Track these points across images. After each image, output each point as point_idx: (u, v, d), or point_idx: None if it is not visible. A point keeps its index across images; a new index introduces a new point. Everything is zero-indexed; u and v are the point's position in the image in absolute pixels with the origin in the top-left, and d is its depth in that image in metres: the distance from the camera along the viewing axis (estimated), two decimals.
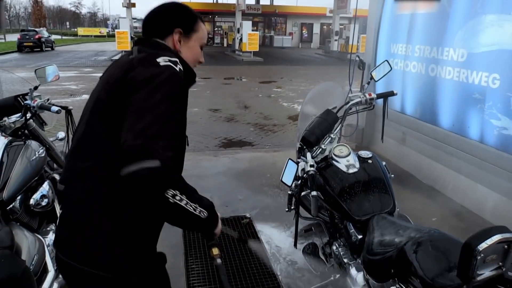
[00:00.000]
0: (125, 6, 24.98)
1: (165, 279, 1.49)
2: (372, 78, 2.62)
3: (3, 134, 2.59)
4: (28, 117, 2.69)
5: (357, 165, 2.30)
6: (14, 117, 2.77)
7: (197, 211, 1.25)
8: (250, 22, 25.70)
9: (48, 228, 2.61)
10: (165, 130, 1.18)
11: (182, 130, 1.38)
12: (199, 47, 1.53)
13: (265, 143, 6.58)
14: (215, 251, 1.42)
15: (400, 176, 4.64)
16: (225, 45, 37.39)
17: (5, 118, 2.71)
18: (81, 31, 58.44)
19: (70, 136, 2.70)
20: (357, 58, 5.57)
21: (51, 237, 2.53)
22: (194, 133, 7.00)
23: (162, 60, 1.29)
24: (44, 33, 30.72)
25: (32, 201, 2.43)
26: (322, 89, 3.00)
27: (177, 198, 1.18)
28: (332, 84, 2.92)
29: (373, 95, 2.55)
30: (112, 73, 1.36)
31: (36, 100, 2.59)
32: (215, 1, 43.95)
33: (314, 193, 2.13)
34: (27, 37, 28.28)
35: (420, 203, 4.03)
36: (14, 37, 32.71)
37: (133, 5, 25.60)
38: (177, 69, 1.29)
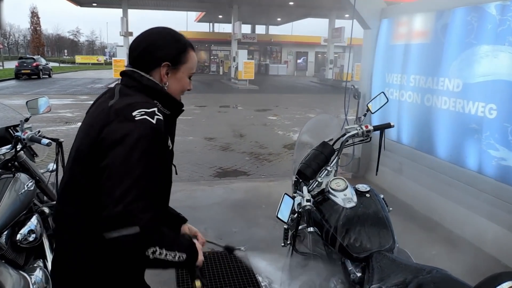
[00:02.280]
0: (122, 35, 25.38)
1: None
2: (368, 110, 2.60)
3: None
4: (18, 149, 2.63)
5: (355, 199, 2.24)
6: (4, 149, 2.70)
7: (176, 257, 1.31)
8: (245, 51, 26.13)
9: (35, 265, 2.51)
10: (144, 191, 1.23)
11: (167, 171, 1.46)
12: (187, 77, 1.51)
13: (261, 173, 6.52)
14: (198, 283, 1.51)
15: (397, 206, 4.56)
16: (221, 73, 37.84)
17: None
18: (78, 58, 58.99)
19: (60, 168, 2.63)
20: (352, 87, 5.60)
21: (38, 274, 2.43)
22: (188, 163, 6.94)
23: (138, 114, 1.28)
24: (41, 60, 30.96)
25: (19, 237, 2.34)
26: (318, 121, 2.97)
27: (157, 253, 1.24)
28: (328, 116, 2.89)
29: (370, 127, 2.52)
30: (91, 124, 1.36)
31: (27, 132, 2.54)
32: (211, 30, 44.76)
33: (311, 229, 2.06)
34: (25, 64, 28.51)
35: (419, 235, 3.94)
36: (12, 64, 32.95)
37: (131, 34, 26.00)
38: (154, 121, 1.29)
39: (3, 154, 2.69)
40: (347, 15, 30.46)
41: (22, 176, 2.58)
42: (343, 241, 2.05)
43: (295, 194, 2.29)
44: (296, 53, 42.67)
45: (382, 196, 2.38)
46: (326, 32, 31.19)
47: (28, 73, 28.17)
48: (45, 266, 2.58)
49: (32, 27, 70.65)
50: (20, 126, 2.58)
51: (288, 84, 28.03)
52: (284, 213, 2.17)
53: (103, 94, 1.51)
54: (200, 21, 42.21)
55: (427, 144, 4.52)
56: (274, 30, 44.96)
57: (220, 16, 36.08)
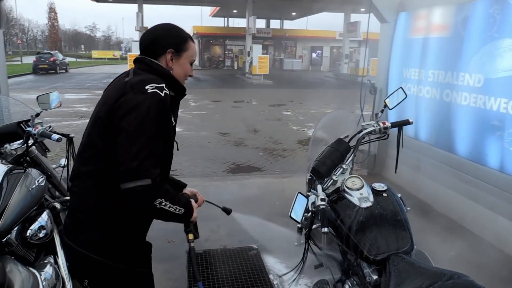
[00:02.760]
0: (137, 30, 25.49)
1: (148, 269, 1.84)
2: (386, 106, 2.50)
3: (4, 161, 2.51)
4: (29, 144, 2.62)
5: (371, 198, 2.15)
6: (15, 144, 2.69)
7: (177, 210, 1.58)
8: (260, 46, 26.00)
9: (46, 261, 2.48)
10: (154, 151, 1.48)
11: (170, 142, 1.69)
12: (189, 63, 1.76)
13: (274, 169, 6.45)
14: (190, 236, 1.75)
15: (415, 205, 4.44)
16: (235, 68, 37.78)
17: (7, 145, 2.64)
18: (95, 53, 59.63)
19: (71, 163, 2.61)
20: (368, 82, 5.47)
21: (48, 270, 2.41)
22: (202, 158, 6.91)
23: (150, 87, 1.53)
24: (59, 55, 31.36)
25: (29, 233, 2.33)
26: (333, 117, 2.88)
27: (163, 204, 1.52)
28: (344, 112, 2.81)
29: (388, 124, 2.43)
30: (109, 95, 1.62)
31: (37, 127, 2.51)
32: (226, 25, 44.66)
33: (325, 229, 1.99)
34: (42, 59, 28.91)
35: (437, 235, 3.82)
36: (30, 60, 33.45)
37: (146, 29, 26.06)
38: (163, 94, 1.55)
39: (15, 149, 2.68)
40: (363, 9, 30.06)
41: (33, 172, 2.56)
42: (359, 242, 1.97)
43: (309, 193, 2.21)
44: (311, 47, 42.32)
45: (399, 195, 2.30)
46: (342, 26, 30.83)
47: (46, 68, 28.56)
48: (56, 262, 2.56)
49: (49, 23, 71.63)
50: (31, 121, 2.56)
51: (303, 79, 27.82)
52: (298, 213, 2.09)
53: (119, 75, 1.75)
54: (214, 16, 42.15)
55: (446, 141, 4.38)
56: (289, 24, 44.53)
57: (235, 11, 35.93)
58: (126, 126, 1.48)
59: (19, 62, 39.97)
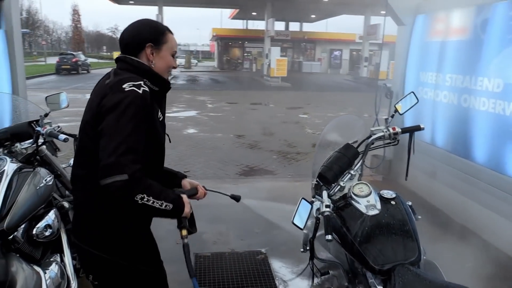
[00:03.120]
0: None
1: (152, 267, 1.84)
2: (396, 111, 2.43)
3: (14, 160, 2.55)
4: (39, 144, 2.65)
5: (378, 206, 2.09)
6: (26, 143, 2.73)
7: (163, 206, 1.57)
8: (278, 48, 25.93)
9: (52, 259, 2.50)
10: (132, 146, 1.49)
11: (157, 137, 1.70)
12: (170, 55, 1.78)
13: (287, 172, 6.39)
14: (184, 232, 1.71)
15: (430, 213, 4.34)
16: (254, 70, 37.83)
17: (17, 144, 2.68)
18: (116, 54, 60.11)
19: None
20: (384, 86, 5.38)
21: (53, 268, 2.43)
22: (215, 160, 6.90)
23: (127, 86, 1.55)
24: (81, 56, 31.97)
25: (35, 231, 2.35)
26: (341, 122, 2.82)
27: (145, 199, 1.50)
28: (353, 117, 2.74)
29: (398, 130, 2.36)
30: (92, 99, 1.65)
31: (46, 127, 2.54)
32: (245, 27, 44.79)
33: (329, 237, 1.93)
34: (65, 60, 29.53)
35: (452, 244, 3.71)
36: (54, 60, 34.20)
37: None
38: (140, 91, 1.56)
39: (25, 148, 2.71)
40: (383, 12, 29.64)
41: (42, 171, 2.58)
42: (364, 251, 1.92)
43: (313, 199, 2.16)
44: (330, 50, 42.06)
45: (410, 203, 2.23)
46: (361, 29, 30.54)
47: (68, 69, 29.15)
48: (62, 261, 2.58)
49: (73, 24, 73.16)
50: (40, 121, 2.59)
51: (321, 82, 27.64)
52: (300, 219, 2.05)
53: (102, 77, 1.75)
54: (234, 18, 42.40)
55: (463, 148, 4.25)
56: (308, 27, 44.37)
57: (254, 13, 36.02)
58: (105, 125, 1.52)
59: (43, 63, 40.93)
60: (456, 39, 4.32)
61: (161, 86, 1.73)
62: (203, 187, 2.09)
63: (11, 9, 4.38)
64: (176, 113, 12.65)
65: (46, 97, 2.72)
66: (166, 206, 1.58)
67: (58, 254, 2.58)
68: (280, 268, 3.38)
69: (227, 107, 14.37)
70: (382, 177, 5.60)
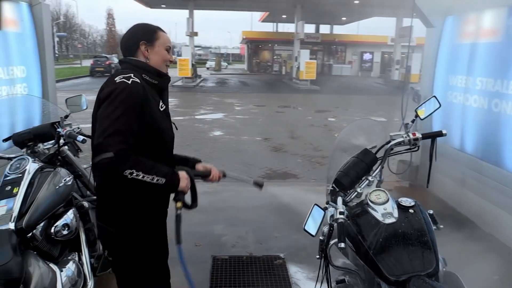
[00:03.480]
0: (187, 35, 26.11)
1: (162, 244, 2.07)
2: (417, 115, 2.34)
3: (37, 160, 2.62)
4: (60, 144, 2.71)
5: (396, 214, 2.02)
6: (48, 144, 2.80)
7: (154, 180, 1.69)
8: (308, 51, 25.71)
9: (69, 257, 2.55)
10: (119, 129, 1.63)
11: (156, 124, 1.83)
12: (164, 50, 1.96)
13: (311, 176, 6.31)
14: (179, 204, 1.82)
15: (457, 222, 4.18)
16: (283, 73, 37.74)
17: (40, 144, 2.75)
18: None
19: None
20: (412, 89, 5.23)
21: (70, 266, 2.47)
22: (239, 162, 6.91)
23: (118, 79, 1.75)
24: (114, 59, 32.82)
25: (53, 229, 2.40)
26: (359, 126, 2.75)
27: (134, 174, 1.64)
28: (372, 121, 2.66)
29: (418, 135, 2.27)
30: (98, 97, 1.81)
31: (66, 129, 2.60)
32: (275, 30, 44.78)
33: (342, 244, 1.87)
34: (99, 62, 30.45)
35: (480, 255, 3.54)
36: (89, 62, 35.33)
37: (196, 34, 26.73)
38: (129, 82, 1.73)
39: (48, 149, 2.79)
40: (415, 14, 28.96)
41: (62, 171, 2.65)
42: (379, 261, 1.85)
43: (327, 205, 2.11)
44: (360, 53, 41.43)
45: (431, 212, 2.14)
46: (393, 31, 29.92)
47: (102, 71, 30.00)
48: (80, 260, 2.63)
49: (108, 28, 75.28)
50: (60, 122, 2.65)
51: (351, 85, 27.25)
52: (313, 225, 2.00)
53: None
54: (264, 21, 42.44)
55: (494, 155, 4.06)
56: (339, 29, 43.93)
57: (284, 16, 35.95)
58: (99, 113, 1.71)
59: (79, 65, 42.33)
60: (487, 41, 4.14)
61: (159, 79, 1.91)
62: (223, 172, 2.19)
63: (42, 14, 4.53)
64: (203, 115, 12.77)
65: (66, 100, 2.79)
66: (158, 180, 1.70)
67: (76, 253, 2.63)
68: (297, 273, 3.32)
69: (254, 109, 14.38)
70: (409, 183, 5.44)
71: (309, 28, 37.48)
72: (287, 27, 48.45)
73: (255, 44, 43.58)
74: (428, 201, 4.51)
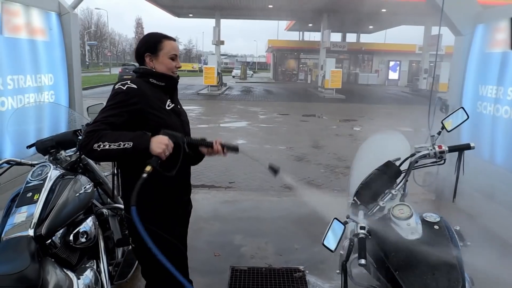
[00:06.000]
0: (214, 44, 26.39)
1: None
2: (443, 127, 2.25)
3: (58, 167, 2.65)
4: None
5: (420, 230, 1.93)
6: (70, 151, 2.84)
7: (121, 146, 1.83)
8: (333, 59, 25.56)
9: (88, 265, 2.55)
10: (98, 118, 1.89)
11: (158, 122, 1.99)
12: (168, 59, 2.10)
13: (334, 187, 6.19)
14: (148, 168, 1.82)
15: (486, 237, 3.98)
16: (309, 81, 37.62)
17: (62, 152, 2.79)
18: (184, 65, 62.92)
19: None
20: (439, 99, 5.07)
21: (88, 274, 2.47)
22: (261, 171, 6.83)
23: (117, 85, 1.98)
24: None
25: (71, 237, 2.41)
26: (383, 138, 2.66)
27: (101, 146, 1.81)
28: (396, 133, 2.57)
29: (444, 148, 2.18)
30: None
31: None
32: (301, 38, 44.77)
33: (362, 261, 1.80)
34: (127, 70, 31.05)
35: (510, 275, 3.36)
36: (117, 70, 36.21)
37: (222, 42, 26.98)
38: (124, 88, 1.94)
39: (69, 156, 2.82)
40: (443, 22, 28.28)
41: (82, 178, 2.66)
42: (401, 279, 1.77)
43: (347, 219, 2.03)
44: (388, 61, 40.85)
45: (458, 228, 2.05)
46: (421, 39, 29.38)
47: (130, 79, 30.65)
48: (98, 267, 2.63)
49: (137, 37, 77.08)
50: (82, 130, 2.68)
51: (377, 94, 26.86)
52: (332, 240, 1.93)
53: None
54: (290, 29, 42.55)
55: None
56: (366, 38, 43.47)
57: (310, 25, 35.91)
58: None
59: (108, 73, 43.43)
60: None
61: (165, 81, 2.10)
62: (236, 147, 2.24)
63: (71, 23, 4.65)
64: (228, 123, 12.81)
65: (87, 108, 2.82)
66: (124, 145, 1.82)
67: (94, 261, 2.63)
68: (316, 287, 3.23)
69: (278, 118, 14.33)
70: (435, 195, 5.26)
71: (336, 37, 37.27)
72: (313, 36, 48.43)
73: (281, 52, 43.67)
74: (454, 216, 4.34)
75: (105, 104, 1.97)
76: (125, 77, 2.12)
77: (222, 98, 22.05)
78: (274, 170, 2.18)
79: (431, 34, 27.38)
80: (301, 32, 44.78)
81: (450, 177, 4.91)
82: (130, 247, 3.07)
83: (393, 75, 40.76)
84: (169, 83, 2.14)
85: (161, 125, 1.98)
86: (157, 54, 2.08)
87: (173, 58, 2.12)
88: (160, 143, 1.86)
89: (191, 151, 2.06)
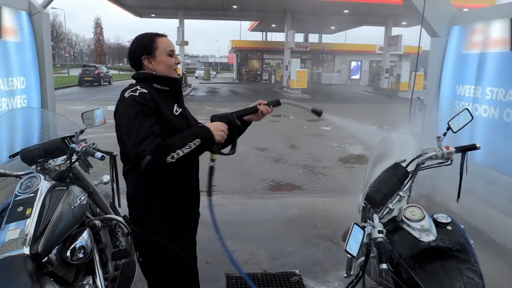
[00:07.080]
0: (178, 44, 26.02)
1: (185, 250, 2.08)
2: (449, 128, 2.28)
3: (47, 177, 2.48)
4: (73, 161, 2.58)
5: (434, 231, 1.95)
6: (59, 160, 2.67)
7: (192, 146, 1.79)
8: (298, 60, 25.86)
9: (84, 282, 2.40)
10: (145, 134, 1.74)
11: (170, 128, 1.87)
12: (167, 56, 2.00)
13: (315, 187, 6.22)
14: (215, 157, 1.91)
15: (468, 231, 4.12)
16: (273, 81, 37.82)
17: (51, 161, 2.62)
18: None
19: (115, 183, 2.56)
20: (418, 99, 5.20)
21: None
22: (240, 174, 6.79)
23: (127, 93, 1.86)
24: (103, 68, 32.61)
25: (69, 253, 2.25)
26: (391, 140, 2.68)
27: (175, 156, 1.74)
28: (404, 135, 2.59)
29: (452, 149, 2.21)
30: (114, 114, 1.96)
31: (81, 145, 2.47)
32: (264, 39, 44.97)
33: (384, 266, 1.78)
34: (88, 72, 30.12)
35: (491, 264, 3.48)
36: (76, 72, 34.91)
37: (186, 43, 26.69)
38: (137, 93, 1.83)
39: (59, 165, 2.65)
40: (404, 23, 29.34)
41: (76, 189, 2.51)
42: (422, 282, 1.76)
43: (364, 224, 2.02)
44: (349, 61, 41.80)
45: (462, 226, 2.07)
46: (381, 40, 30.25)
47: (90, 80, 29.69)
48: (94, 283, 2.48)
49: (95, 37, 74.78)
50: (75, 138, 2.53)
51: (341, 93, 27.39)
52: (354, 246, 1.90)
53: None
54: (253, 30, 42.60)
55: (505, 164, 4.04)
56: (327, 38, 44.21)
57: (273, 25, 36.14)
58: (120, 126, 1.87)
59: (66, 75, 41.81)
60: (497, 51, 4.13)
61: (169, 85, 1.99)
62: (275, 102, 2.30)
63: (42, 23, 4.40)
64: None
65: (82, 114, 2.66)
66: (194, 144, 1.79)
67: (90, 276, 2.48)
68: None
69: None
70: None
71: (298, 37, 37.67)
72: (275, 36, 48.79)
73: (244, 53, 43.67)
74: (434, 212, 4.45)
75: (127, 116, 1.81)
76: (128, 87, 1.93)
77: (188, 99, 21.74)
78: (318, 113, 2.39)
79: (391, 35, 28.25)
80: (264, 33, 45.00)
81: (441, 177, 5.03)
82: (124, 260, 2.94)
83: (355, 75, 41.76)
84: (174, 87, 2.02)
85: (173, 131, 1.87)
86: (154, 54, 1.97)
87: (171, 54, 2.02)
88: (219, 130, 1.89)
89: (241, 124, 2.11)
